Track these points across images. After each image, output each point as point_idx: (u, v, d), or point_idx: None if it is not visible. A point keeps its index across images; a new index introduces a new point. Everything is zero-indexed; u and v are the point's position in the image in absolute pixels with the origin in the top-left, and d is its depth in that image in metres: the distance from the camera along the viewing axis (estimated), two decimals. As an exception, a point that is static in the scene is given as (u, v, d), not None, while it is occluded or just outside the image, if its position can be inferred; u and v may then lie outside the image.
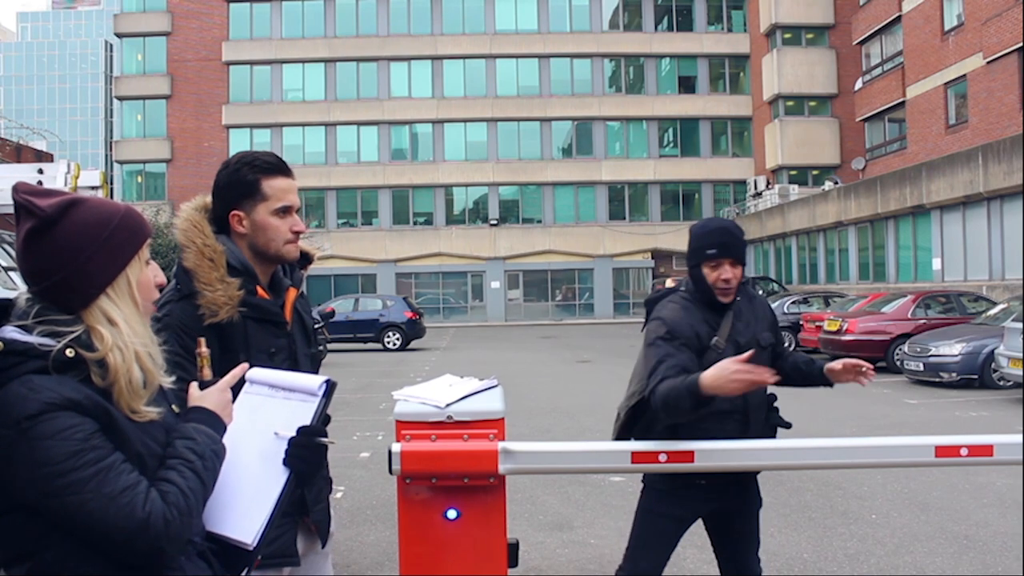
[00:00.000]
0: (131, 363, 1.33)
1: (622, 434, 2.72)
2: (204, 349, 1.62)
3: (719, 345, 2.64)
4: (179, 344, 1.86)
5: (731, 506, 2.76)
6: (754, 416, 2.67)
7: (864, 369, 2.58)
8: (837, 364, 2.64)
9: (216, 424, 1.46)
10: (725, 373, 2.23)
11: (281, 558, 1.95)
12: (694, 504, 2.73)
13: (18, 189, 1.34)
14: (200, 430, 1.42)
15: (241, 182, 1.99)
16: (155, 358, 1.41)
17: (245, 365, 1.65)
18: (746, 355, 2.29)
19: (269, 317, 2.01)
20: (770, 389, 2.78)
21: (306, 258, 2.17)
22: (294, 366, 2.00)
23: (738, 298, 2.73)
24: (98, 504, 1.23)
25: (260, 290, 2.01)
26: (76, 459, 1.23)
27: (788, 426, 2.75)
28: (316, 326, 2.33)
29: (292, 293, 2.11)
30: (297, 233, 2.03)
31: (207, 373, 1.56)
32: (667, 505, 2.72)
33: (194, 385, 1.51)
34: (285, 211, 2.01)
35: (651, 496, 2.77)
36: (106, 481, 1.25)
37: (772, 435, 2.71)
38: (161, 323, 1.85)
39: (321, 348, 2.27)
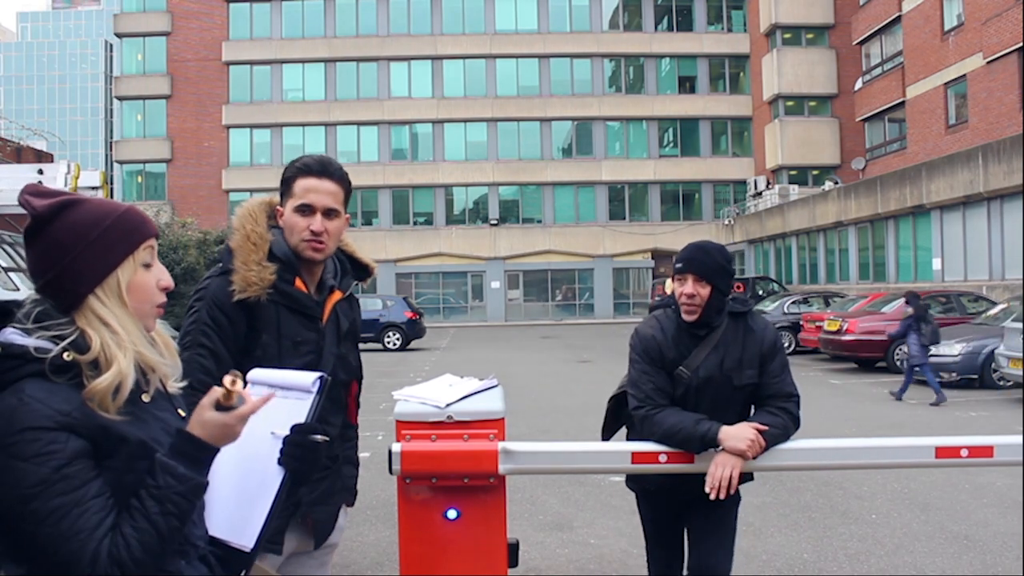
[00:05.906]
0: (127, 365, 1.32)
1: (609, 432, 2.86)
2: (230, 385, 1.37)
3: (683, 375, 2.56)
4: (208, 316, 2.01)
5: (695, 507, 2.73)
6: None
7: (714, 485, 2.35)
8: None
9: (198, 458, 1.33)
10: (744, 434, 2.33)
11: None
12: (656, 506, 2.83)
13: (24, 190, 1.37)
14: (170, 469, 1.29)
15: (284, 180, 2.13)
16: (154, 364, 1.39)
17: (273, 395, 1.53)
18: (759, 427, 2.38)
19: (301, 308, 2.08)
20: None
21: (365, 271, 2.29)
22: (317, 361, 2.06)
23: (718, 325, 2.59)
24: (49, 541, 1.21)
25: (300, 283, 2.09)
26: (43, 487, 1.21)
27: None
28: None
29: (336, 295, 2.18)
30: (315, 233, 2.07)
31: (233, 398, 1.37)
32: (640, 507, 2.90)
33: (206, 404, 1.35)
34: (305, 209, 2.08)
35: (636, 499, 2.93)
36: (66, 517, 1.21)
37: None
38: (198, 294, 2.06)
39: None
